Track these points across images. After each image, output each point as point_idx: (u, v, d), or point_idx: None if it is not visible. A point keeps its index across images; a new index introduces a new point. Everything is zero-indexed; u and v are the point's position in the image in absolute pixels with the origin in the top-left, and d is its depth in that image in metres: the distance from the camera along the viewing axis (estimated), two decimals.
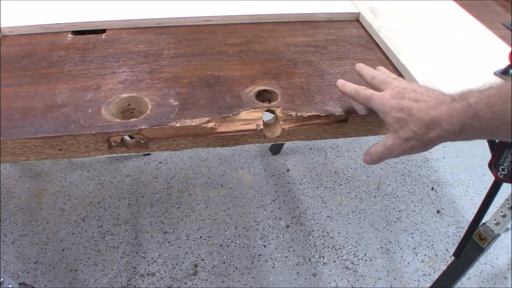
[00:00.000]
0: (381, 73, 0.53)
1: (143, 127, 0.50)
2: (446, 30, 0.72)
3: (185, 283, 1.19)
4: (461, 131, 0.42)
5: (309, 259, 1.27)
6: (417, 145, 0.45)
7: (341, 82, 0.54)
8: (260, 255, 1.27)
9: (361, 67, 0.56)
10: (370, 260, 1.28)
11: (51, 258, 1.23)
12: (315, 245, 1.31)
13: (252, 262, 1.25)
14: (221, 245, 1.29)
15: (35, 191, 1.44)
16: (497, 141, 0.80)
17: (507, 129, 0.40)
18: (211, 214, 1.39)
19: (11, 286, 0.78)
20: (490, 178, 0.86)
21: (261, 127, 0.53)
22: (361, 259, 1.28)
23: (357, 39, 0.72)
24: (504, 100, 0.39)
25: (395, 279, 1.24)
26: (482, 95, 0.41)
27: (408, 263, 1.28)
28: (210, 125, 0.52)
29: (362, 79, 0.55)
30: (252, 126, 0.53)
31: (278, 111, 0.54)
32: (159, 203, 1.41)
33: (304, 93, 0.58)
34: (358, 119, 0.55)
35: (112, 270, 1.21)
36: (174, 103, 0.54)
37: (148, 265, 1.23)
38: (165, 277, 1.20)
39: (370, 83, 0.53)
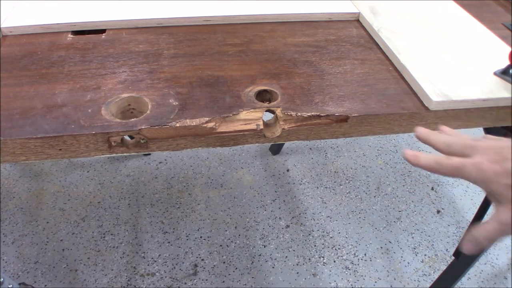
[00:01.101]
0: (456, 138, 0.44)
1: (143, 127, 0.50)
2: (446, 30, 0.72)
3: (185, 283, 1.19)
4: None
5: (309, 259, 1.27)
6: None
7: (411, 154, 0.44)
8: (260, 255, 1.27)
9: (426, 134, 0.46)
10: (370, 260, 1.28)
11: (51, 258, 1.23)
12: (315, 245, 1.31)
13: (252, 262, 1.25)
14: (221, 245, 1.29)
15: (35, 191, 1.44)
16: None
17: None
18: (211, 214, 1.39)
19: (11, 286, 0.78)
20: None
21: (261, 127, 0.53)
22: (361, 259, 1.28)
23: (357, 39, 0.72)
24: None
25: (395, 279, 1.24)
26: None
27: (408, 263, 1.28)
28: (210, 125, 0.52)
29: (432, 148, 0.46)
30: (252, 126, 0.53)
31: (278, 111, 0.54)
32: (159, 203, 1.41)
33: (304, 93, 0.58)
34: (358, 119, 0.55)
35: (112, 270, 1.21)
36: (174, 103, 0.54)
37: (148, 265, 1.23)
38: (165, 277, 1.20)
39: (447, 153, 0.43)
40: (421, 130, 0.46)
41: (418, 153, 0.44)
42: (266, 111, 0.55)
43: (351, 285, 1.21)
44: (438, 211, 1.45)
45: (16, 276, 1.18)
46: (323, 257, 1.28)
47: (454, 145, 0.43)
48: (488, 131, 0.84)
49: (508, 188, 0.38)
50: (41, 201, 1.40)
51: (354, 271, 1.25)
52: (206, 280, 1.20)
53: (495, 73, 0.61)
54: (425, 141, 0.46)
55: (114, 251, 1.26)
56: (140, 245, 1.28)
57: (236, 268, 1.23)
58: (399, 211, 1.44)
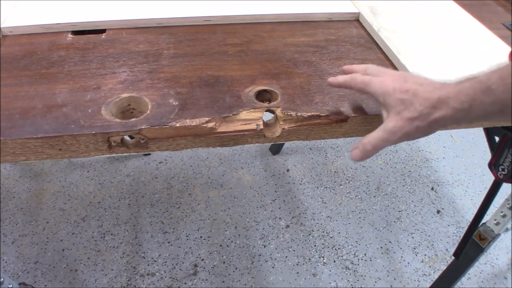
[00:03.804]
0: (374, 65, 0.54)
1: (143, 127, 0.50)
2: (446, 30, 0.72)
3: (185, 283, 1.19)
4: (470, 108, 0.42)
5: (309, 259, 1.27)
6: (421, 125, 0.44)
7: (331, 78, 0.55)
8: (260, 255, 1.27)
9: (350, 67, 0.56)
10: (370, 260, 1.28)
11: (51, 258, 1.23)
12: (315, 245, 1.31)
13: (252, 262, 1.25)
14: (221, 245, 1.29)
15: (35, 191, 1.44)
16: (497, 141, 0.80)
17: None
18: (211, 214, 1.39)
19: (11, 286, 0.78)
20: (490, 178, 0.86)
21: (261, 127, 0.53)
22: (361, 259, 1.28)
23: (357, 39, 0.72)
24: None
25: (395, 279, 1.24)
26: (493, 71, 0.42)
27: (408, 263, 1.28)
28: (210, 125, 0.52)
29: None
30: (252, 126, 0.53)
31: (278, 111, 0.54)
32: (159, 203, 1.42)
33: (304, 93, 0.58)
34: (358, 119, 0.55)
35: (112, 270, 1.21)
36: (174, 103, 0.54)
37: (148, 265, 1.23)
38: (165, 277, 1.20)
39: (364, 74, 0.52)
40: (346, 66, 0.57)
41: (337, 76, 0.54)
42: (266, 111, 0.55)
43: (351, 285, 1.21)
44: (438, 211, 1.45)
45: (16, 276, 1.18)
46: (323, 257, 1.28)
47: (369, 68, 0.52)
48: (488, 131, 0.84)
49: (399, 102, 0.45)
50: (41, 201, 1.40)
51: (354, 271, 1.25)
52: (206, 280, 1.20)
53: None
54: (349, 70, 0.55)
55: (114, 251, 1.26)
56: (140, 245, 1.28)
57: (236, 268, 1.23)
58: (399, 211, 1.44)
